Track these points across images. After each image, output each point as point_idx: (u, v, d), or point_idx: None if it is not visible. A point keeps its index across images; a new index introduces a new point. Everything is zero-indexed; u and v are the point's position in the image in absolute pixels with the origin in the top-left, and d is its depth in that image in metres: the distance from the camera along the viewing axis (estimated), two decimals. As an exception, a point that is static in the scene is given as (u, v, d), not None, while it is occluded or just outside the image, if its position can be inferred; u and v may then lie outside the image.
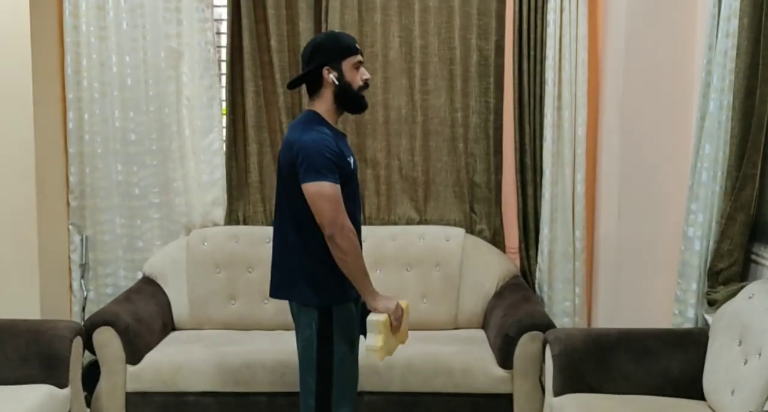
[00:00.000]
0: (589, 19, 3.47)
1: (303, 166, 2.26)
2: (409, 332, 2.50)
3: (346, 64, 2.36)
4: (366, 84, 2.41)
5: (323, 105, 2.39)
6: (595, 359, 2.69)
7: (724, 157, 2.73)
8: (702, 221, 2.79)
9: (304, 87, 2.47)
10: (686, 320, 2.87)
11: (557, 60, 3.48)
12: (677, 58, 3.14)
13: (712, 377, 2.53)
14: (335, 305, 2.35)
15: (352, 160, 2.41)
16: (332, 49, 2.37)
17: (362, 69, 2.40)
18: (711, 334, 2.63)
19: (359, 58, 2.40)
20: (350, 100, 2.40)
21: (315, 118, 2.37)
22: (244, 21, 3.60)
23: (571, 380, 2.66)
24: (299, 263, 2.37)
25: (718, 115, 2.72)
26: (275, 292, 2.46)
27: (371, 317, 2.29)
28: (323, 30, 3.59)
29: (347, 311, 2.38)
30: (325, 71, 2.35)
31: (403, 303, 2.41)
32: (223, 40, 3.73)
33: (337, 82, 2.35)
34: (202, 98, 3.68)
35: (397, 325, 2.34)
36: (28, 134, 3.32)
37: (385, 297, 2.36)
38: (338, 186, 2.28)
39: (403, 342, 2.46)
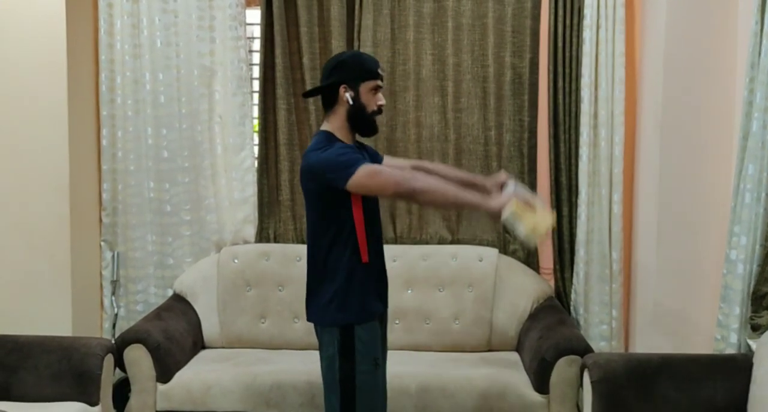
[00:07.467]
0: (626, 37, 3.42)
1: (332, 174, 2.25)
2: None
3: (364, 87, 2.36)
4: (380, 110, 2.41)
5: (336, 122, 2.39)
6: (636, 385, 2.61)
7: (768, 177, 2.66)
8: (745, 243, 2.71)
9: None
10: (729, 345, 2.78)
11: (593, 78, 3.44)
12: (717, 76, 3.06)
13: (757, 405, 2.45)
14: (357, 324, 2.34)
15: None
16: (354, 69, 2.36)
17: (379, 94, 2.40)
18: (755, 360, 2.55)
19: (378, 83, 2.39)
20: (362, 122, 2.39)
21: (327, 139, 2.36)
22: (277, 39, 3.61)
23: (610, 407, 2.59)
24: (320, 285, 2.37)
25: (762, 134, 2.65)
26: (307, 314, 2.47)
27: (503, 216, 2.19)
28: (355, 48, 3.58)
29: (370, 329, 2.37)
30: (341, 89, 2.35)
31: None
32: (256, 57, 3.74)
33: (351, 102, 2.35)
34: (235, 116, 3.68)
35: (526, 201, 2.23)
36: (62, 151, 3.35)
37: (496, 196, 2.31)
38: (370, 163, 2.30)
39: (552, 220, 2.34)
